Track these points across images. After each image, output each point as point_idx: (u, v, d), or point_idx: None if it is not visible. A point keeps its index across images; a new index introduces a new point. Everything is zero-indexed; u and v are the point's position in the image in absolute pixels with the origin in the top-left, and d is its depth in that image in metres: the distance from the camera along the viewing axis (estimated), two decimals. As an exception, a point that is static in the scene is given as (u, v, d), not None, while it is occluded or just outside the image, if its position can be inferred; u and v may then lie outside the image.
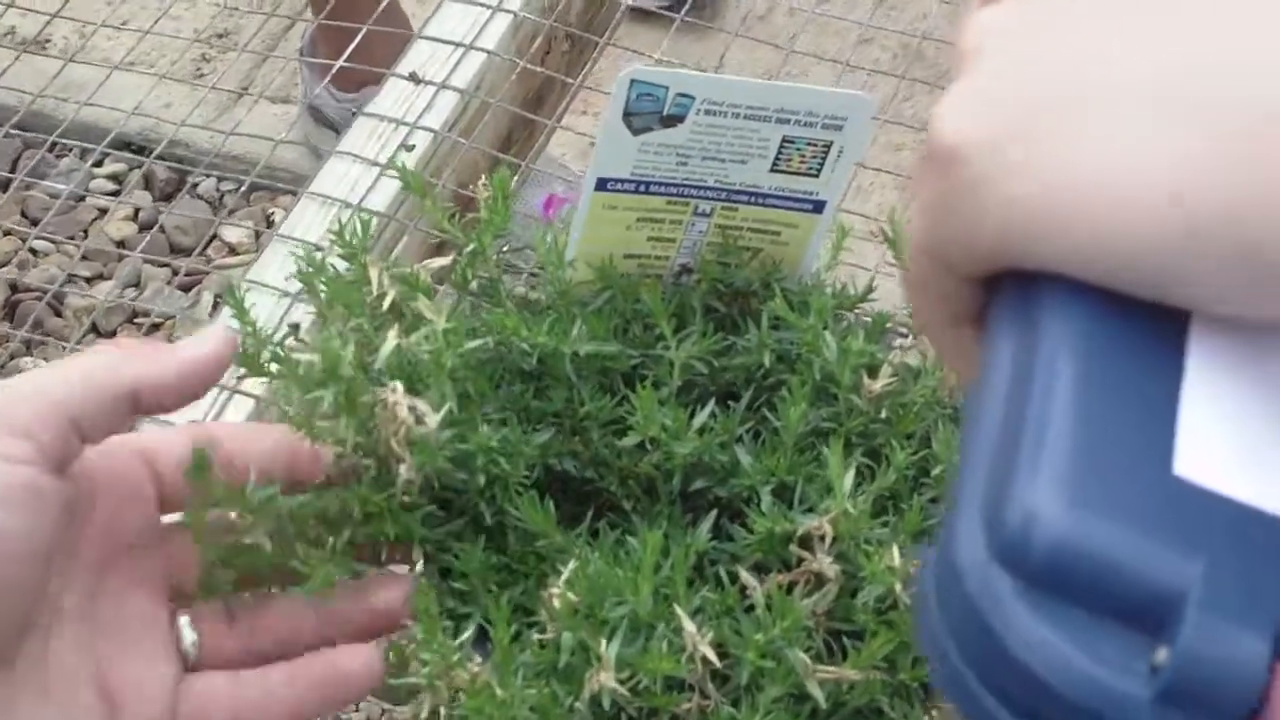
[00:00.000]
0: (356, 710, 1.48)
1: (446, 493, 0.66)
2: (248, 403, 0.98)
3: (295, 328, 0.84)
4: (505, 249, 0.74)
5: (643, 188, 0.69)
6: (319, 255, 0.74)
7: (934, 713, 0.62)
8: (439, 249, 1.02)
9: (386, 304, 0.70)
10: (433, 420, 0.64)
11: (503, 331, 0.70)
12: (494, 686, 0.60)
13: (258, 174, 1.28)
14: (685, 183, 0.69)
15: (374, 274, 0.72)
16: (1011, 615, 0.32)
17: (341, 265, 0.73)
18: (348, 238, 0.73)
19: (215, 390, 0.98)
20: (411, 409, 0.63)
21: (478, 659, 0.61)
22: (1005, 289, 0.36)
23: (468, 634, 0.62)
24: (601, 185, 0.69)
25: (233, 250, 1.69)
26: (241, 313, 0.71)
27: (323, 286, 0.71)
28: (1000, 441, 0.34)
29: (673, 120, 0.66)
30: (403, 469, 0.64)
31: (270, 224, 1.71)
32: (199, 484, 0.62)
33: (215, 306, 1.59)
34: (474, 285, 0.74)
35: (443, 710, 0.63)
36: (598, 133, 0.67)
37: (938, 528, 0.62)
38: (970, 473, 0.34)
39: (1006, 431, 0.34)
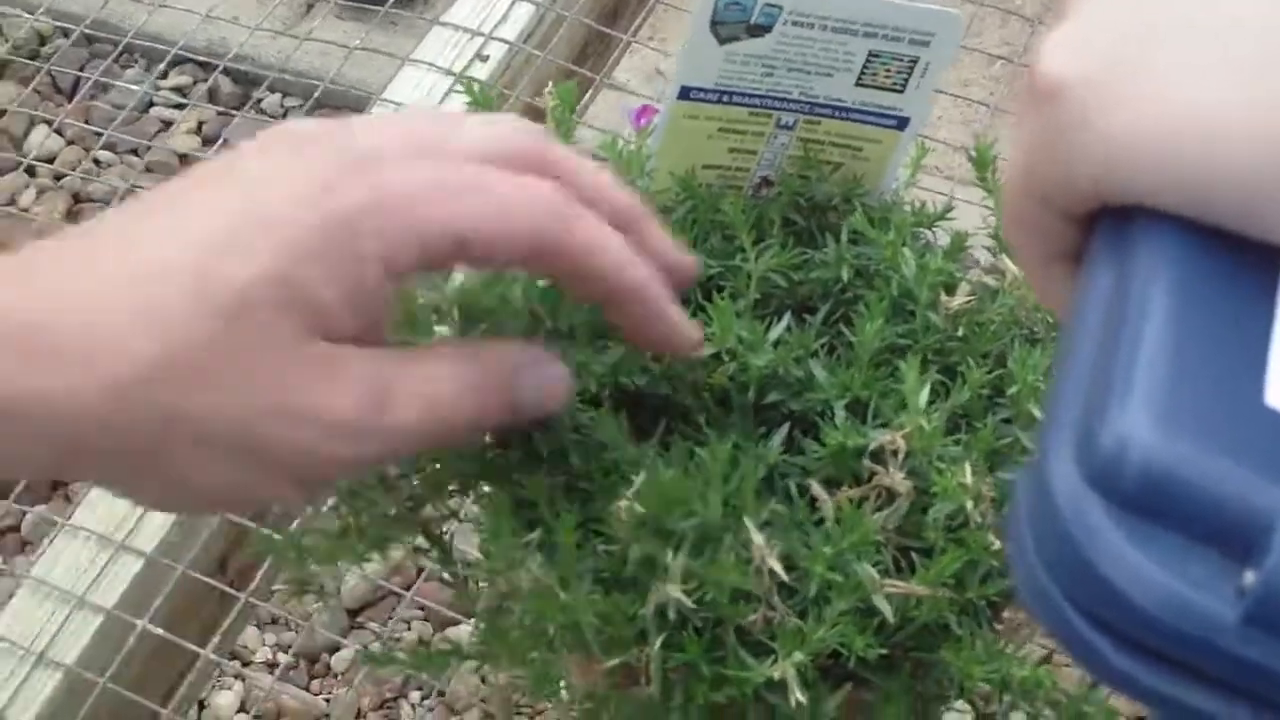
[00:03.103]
0: (409, 629, 1.49)
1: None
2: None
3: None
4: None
5: (726, 98, 0.68)
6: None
7: (998, 626, 0.62)
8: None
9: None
10: None
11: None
12: (556, 589, 0.60)
13: (324, 89, 1.28)
14: (769, 94, 0.68)
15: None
16: (1102, 536, 0.32)
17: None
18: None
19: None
20: None
21: (539, 560, 0.61)
22: (1103, 225, 0.37)
23: (534, 535, 0.62)
24: (684, 94, 0.68)
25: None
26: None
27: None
28: (1094, 368, 0.34)
29: (759, 30, 0.66)
30: None
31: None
32: None
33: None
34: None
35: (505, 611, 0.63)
36: (684, 40, 0.67)
37: (1027, 450, 0.62)
38: (1064, 398, 0.35)
39: (1100, 359, 0.34)
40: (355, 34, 1.52)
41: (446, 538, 0.69)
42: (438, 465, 0.68)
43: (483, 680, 1.45)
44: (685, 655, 0.59)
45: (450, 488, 0.69)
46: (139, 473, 0.51)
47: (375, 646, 1.48)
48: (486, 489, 0.66)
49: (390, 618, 1.47)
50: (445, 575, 0.68)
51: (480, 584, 0.64)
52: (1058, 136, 0.37)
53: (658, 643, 0.59)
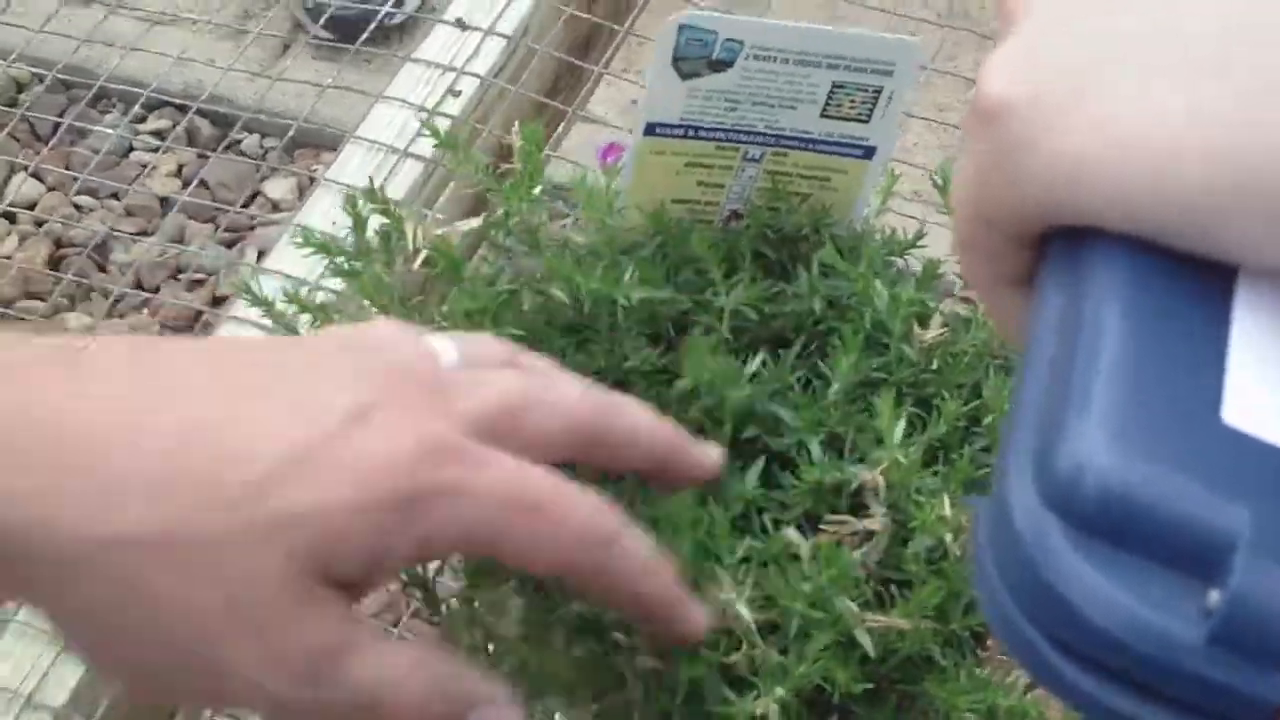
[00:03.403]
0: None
1: None
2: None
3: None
4: (544, 194, 0.73)
5: (692, 132, 0.68)
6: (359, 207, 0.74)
7: (982, 656, 0.62)
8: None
9: (418, 263, 0.71)
10: None
11: (550, 277, 0.69)
12: (533, 641, 0.60)
13: (299, 127, 1.28)
14: (734, 128, 0.68)
15: (409, 229, 0.72)
16: (1061, 558, 0.32)
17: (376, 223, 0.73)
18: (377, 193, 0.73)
19: (262, 334, 0.99)
20: None
21: (520, 606, 0.61)
22: (1053, 246, 0.37)
23: (512, 582, 0.62)
24: (650, 130, 0.68)
25: (275, 206, 1.69)
26: (255, 298, 0.72)
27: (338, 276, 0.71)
28: (1049, 390, 0.34)
29: (721, 65, 0.65)
30: None
31: (312, 181, 1.71)
32: None
33: (260, 259, 1.59)
34: (509, 242, 0.73)
35: None
36: (647, 76, 0.66)
37: (990, 477, 0.61)
38: (1020, 422, 0.34)
39: (1055, 380, 0.34)
40: (329, 73, 1.52)
41: (430, 579, 0.68)
42: None
43: None
44: (661, 706, 0.59)
45: None
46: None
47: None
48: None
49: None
50: (431, 618, 0.68)
51: (462, 629, 0.64)
52: (1003, 158, 0.36)
53: (639, 692, 0.59)
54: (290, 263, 0.97)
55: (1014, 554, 0.32)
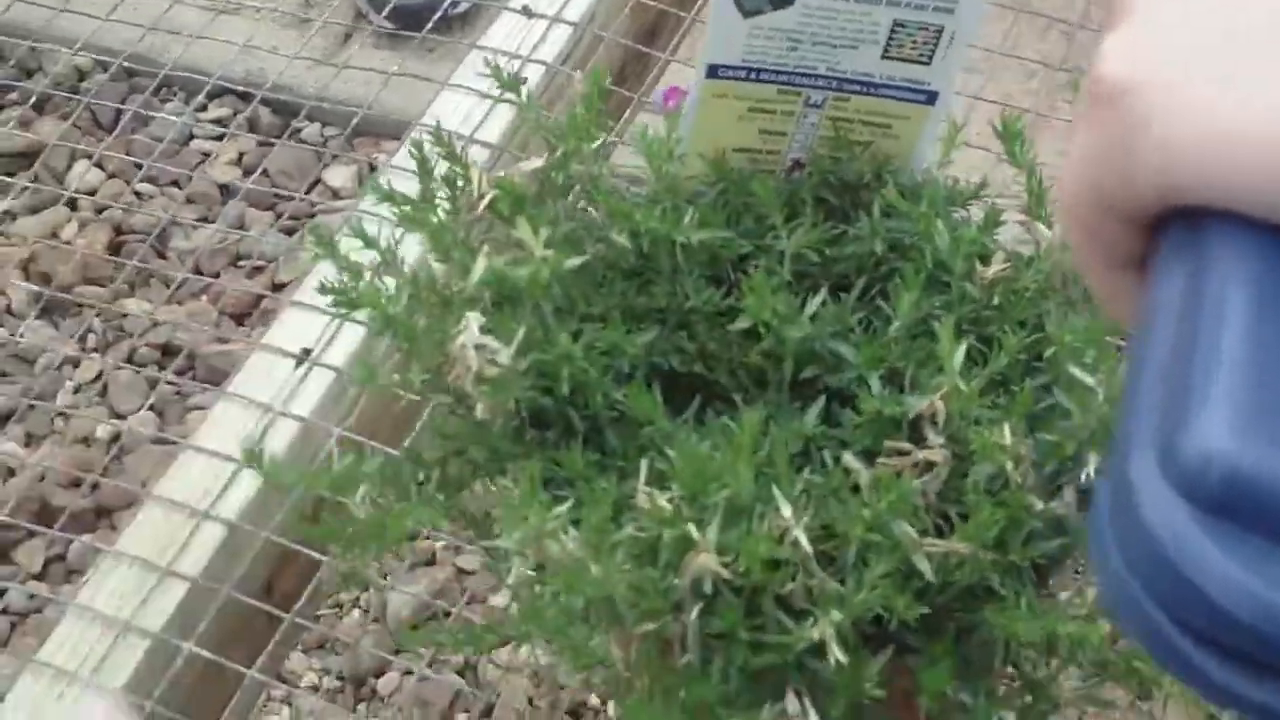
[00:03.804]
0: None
1: (540, 405, 0.67)
2: (359, 330, 0.99)
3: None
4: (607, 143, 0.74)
5: (754, 75, 0.68)
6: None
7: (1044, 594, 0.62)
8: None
9: (482, 206, 0.71)
10: (505, 356, 0.64)
11: (609, 220, 0.70)
12: (588, 562, 0.59)
13: (362, 116, 1.29)
14: (796, 70, 0.68)
15: (474, 174, 0.72)
16: (1190, 544, 0.32)
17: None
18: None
19: (326, 318, 0.99)
20: (481, 348, 0.64)
21: (573, 535, 0.61)
22: (1170, 229, 0.37)
23: (565, 506, 0.62)
24: (712, 72, 0.68)
25: (335, 194, 1.70)
26: (330, 248, 0.73)
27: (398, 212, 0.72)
28: (1171, 374, 0.34)
29: (783, 2, 0.66)
30: (478, 410, 0.65)
31: (374, 169, 1.72)
32: None
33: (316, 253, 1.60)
34: (572, 186, 0.74)
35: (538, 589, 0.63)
36: (709, 16, 0.67)
37: (1068, 414, 0.61)
38: (1141, 405, 0.34)
39: (1178, 364, 0.34)
40: (392, 61, 1.53)
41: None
42: (473, 447, 0.68)
43: (533, 694, 1.45)
44: (724, 622, 0.59)
45: (487, 469, 0.69)
46: None
47: (422, 667, 1.48)
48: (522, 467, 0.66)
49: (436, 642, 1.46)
50: (484, 558, 0.69)
51: (513, 560, 0.64)
52: (1123, 140, 0.36)
53: (695, 611, 0.59)
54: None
55: (1140, 537, 0.33)
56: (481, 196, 0.71)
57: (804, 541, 0.59)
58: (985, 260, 0.66)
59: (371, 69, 1.44)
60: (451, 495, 0.69)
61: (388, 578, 1.52)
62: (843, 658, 0.57)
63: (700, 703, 0.60)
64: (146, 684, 0.91)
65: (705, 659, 0.60)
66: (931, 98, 0.69)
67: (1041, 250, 0.66)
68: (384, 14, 1.62)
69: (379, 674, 1.48)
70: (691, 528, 0.59)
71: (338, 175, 1.73)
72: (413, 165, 1.01)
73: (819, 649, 0.59)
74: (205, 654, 0.91)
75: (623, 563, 0.59)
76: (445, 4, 1.52)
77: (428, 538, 1.52)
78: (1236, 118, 0.35)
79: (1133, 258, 0.39)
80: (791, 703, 0.59)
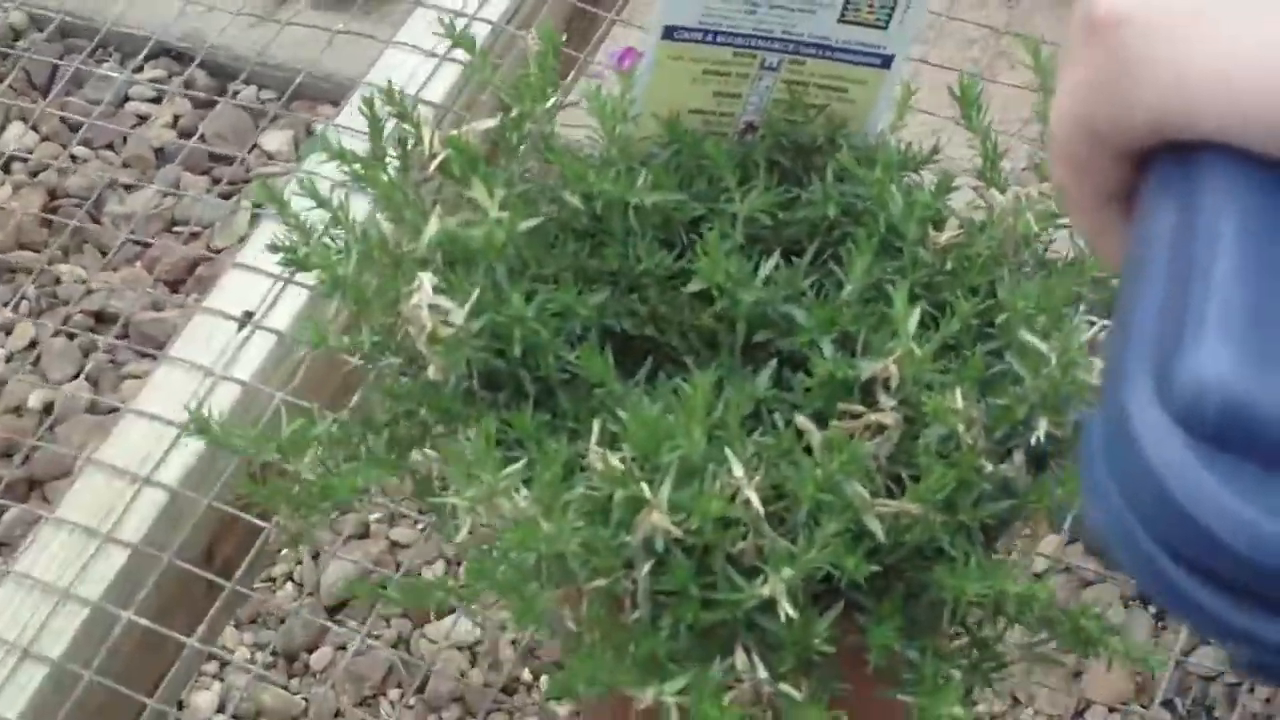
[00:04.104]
0: (389, 626, 1.48)
1: (492, 366, 0.67)
2: (303, 293, 0.99)
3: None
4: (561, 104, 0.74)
5: (710, 37, 0.69)
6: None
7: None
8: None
9: (434, 166, 0.71)
10: (458, 316, 0.64)
11: (563, 181, 0.70)
12: (539, 520, 0.59)
13: (300, 81, 1.28)
14: (753, 32, 0.68)
15: (426, 134, 0.72)
16: (1186, 474, 0.32)
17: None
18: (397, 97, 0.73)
19: (269, 280, 0.99)
20: (434, 308, 0.64)
21: (524, 494, 0.61)
22: (1161, 162, 0.37)
23: (516, 466, 0.62)
24: (669, 34, 0.68)
25: (272, 158, 1.69)
26: (281, 205, 0.73)
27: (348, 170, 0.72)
28: (1165, 303, 0.34)
29: (744, -35, 0.66)
30: (430, 371, 0.65)
31: (310, 133, 1.70)
32: None
33: (254, 215, 1.58)
34: (524, 146, 0.73)
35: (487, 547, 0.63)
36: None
37: (1019, 380, 0.62)
38: (1135, 336, 0.35)
39: (1171, 293, 0.34)
40: (334, 22, 1.52)
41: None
42: (424, 408, 0.68)
43: (466, 669, 1.45)
44: (675, 579, 0.59)
45: (437, 430, 0.69)
46: None
47: (354, 644, 1.48)
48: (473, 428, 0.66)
49: (369, 616, 1.46)
50: (430, 520, 0.69)
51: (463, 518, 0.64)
52: (1117, 73, 0.36)
53: (646, 568, 0.59)
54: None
55: (1134, 467, 0.33)
56: (433, 156, 0.71)
57: (755, 501, 0.59)
58: (938, 225, 0.66)
59: (315, 25, 1.43)
60: (401, 455, 0.68)
61: (319, 556, 1.51)
62: (793, 614, 0.58)
63: (650, 658, 0.60)
64: (85, 653, 0.90)
65: (655, 615, 0.61)
66: (887, 62, 0.69)
67: (994, 216, 0.66)
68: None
69: (312, 649, 1.48)
70: (644, 487, 0.59)
71: (274, 139, 1.72)
72: (357, 125, 1.01)
73: (769, 606, 0.59)
74: (144, 622, 0.91)
75: (574, 521, 0.60)
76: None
77: (358, 511, 1.52)
78: (1233, 51, 0.35)
79: (1120, 193, 0.39)
80: (740, 659, 0.60)
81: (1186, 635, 1.38)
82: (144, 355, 1.56)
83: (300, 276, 0.97)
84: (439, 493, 0.66)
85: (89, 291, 1.64)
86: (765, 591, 0.58)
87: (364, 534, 1.52)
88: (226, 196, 1.67)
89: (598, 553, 0.60)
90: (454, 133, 0.71)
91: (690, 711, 0.59)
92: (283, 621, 1.46)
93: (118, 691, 0.90)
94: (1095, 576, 1.41)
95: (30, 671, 0.89)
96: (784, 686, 0.60)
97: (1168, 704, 1.37)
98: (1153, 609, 1.45)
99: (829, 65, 0.70)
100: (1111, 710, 1.39)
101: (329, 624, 1.46)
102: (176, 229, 1.67)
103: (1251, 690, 1.39)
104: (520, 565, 0.62)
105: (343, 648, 1.44)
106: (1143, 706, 1.38)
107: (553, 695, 0.63)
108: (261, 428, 0.76)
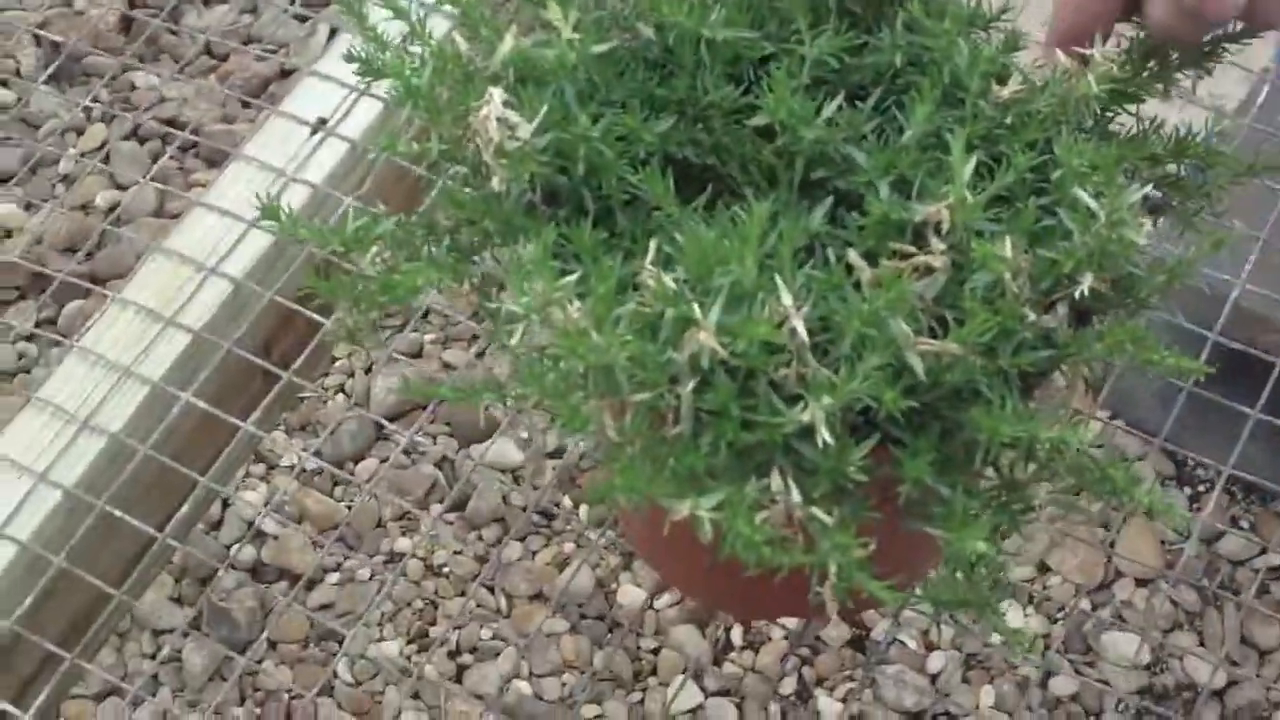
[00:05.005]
0: (434, 443, 1.51)
1: (554, 183, 0.68)
2: (376, 105, 1.00)
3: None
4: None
5: (794, -123, 0.69)
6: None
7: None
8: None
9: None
10: (525, 131, 0.66)
11: (636, 10, 0.71)
12: (590, 331, 0.61)
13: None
14: (838, -124, 0.69)
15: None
16: None
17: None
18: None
19: (344, 90, 1.01)
20: (502, 121, 0.65)
21: (578, 305, 0.63)
22: None
23: (571, 278, 0.63)
24: None
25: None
26: (359, 17, 0.74)
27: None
28: None
29: None
30: (494, 183, 0.66)
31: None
32: None
33: (332, 36, 1.60)
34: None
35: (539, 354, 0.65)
36: None
37: (1069, 235, 0.63)
38: None
39: None
40: None
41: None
42: (487, 218, 0.70)
43: (508, 489, 1.48)
44: (718, 398, 0.61)
45: (496, 239, 0.71)
46: None
47: (400, 454, 1.51)
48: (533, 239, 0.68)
49: (418, 430, 1.50)
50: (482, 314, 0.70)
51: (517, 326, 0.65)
52: None
53: (690, 385, 0.61)
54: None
55: None
56: (512, -25, 0.72)
57: (801, 330, 0.61)
58: (1001, 80, 0.68)
59: None
60: (461, 261, 0.70)
61: (370, 370, 1.54)
62: (830, 441, 0.59)
63: (688, 472, 0.62)
64: (142, 430, 0.93)
65: (696, 432, 0.62)
66: (966, -90, 0.70)
67: (1056, 74, 0.67)
68: None
69: (359, 459, 1.51)
70: (694, 307, 0.61)
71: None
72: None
73: (807, 433, 0.61)
74: (202, 405, 0.94)
75: (624, 335, 0.61)
76: None
77: (416, 330, 1.54)
78: None
79: None
80: (776, 480, 0.62)
81: (1214, 512, 1.40)
82: (212, 164, 1.58)
83: (374, 89, 0.99)
84: (496, 299, 0.69)
85: (162, 99, 1.66)
86: (804, 418, 0.60)
87: (417, 353, 1.55)
88: (303, 20, 1.68)
89: (644, 367, 0.61)
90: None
91: (724, 526, 0.61)
92: (332, 432, 1.50)
93: (171, 468, 0.93)
94: (1138, 451, 1.43)
95: (89, 443, 0.92)
96: (816, 510, 0.62)
97: (1196, 586, 1.40)
98: (1187, 490, 1.47)
99: (907, -86, 0.70)
100: (1140, 584, 1.42)
101: (377, 435, 1.50)
102: (252, 46, 1.69)
103: (1278, 578, 1.41)
104: (569, 374, 0.64)
105: (387, 459, 1.48)
106: (1171, 584, 1.41)
107: (593, 499, 0.65)
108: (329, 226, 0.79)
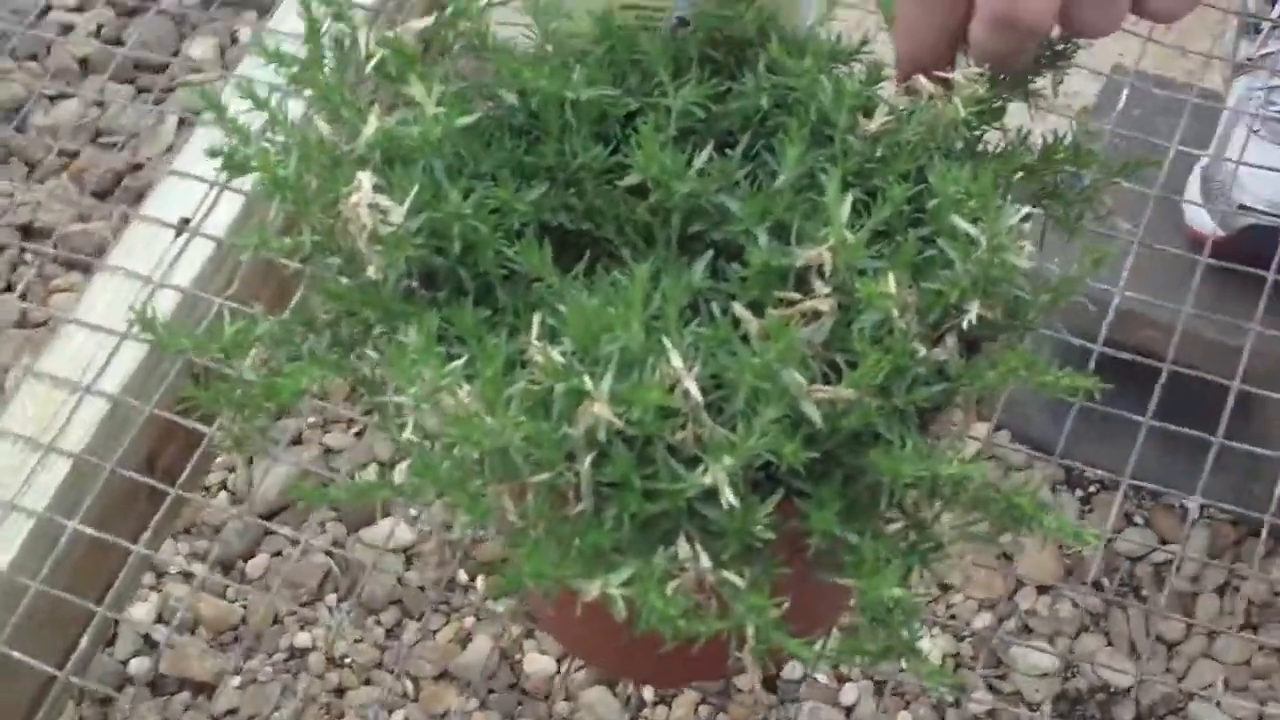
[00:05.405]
0: (324, 530, 1.49)
1: (431, 265, 0.67)
2: (238, 198, 0.99)
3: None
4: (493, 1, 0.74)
5: (641, -71, 0.69)
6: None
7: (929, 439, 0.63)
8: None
9: (370, 67, 0.71)
10: (398, 215, 0.64)
11: (498, 79, 0.70)
12: (482, 414, 0.60)
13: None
14: (684, -75, 0.69)
15: (363, 36, 0.72)
16: None
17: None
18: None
19: (204, 186, 0.99)
20: (374, 206, 0.64)
21: (467, 389, 0.61)
22: None
23: (458, 363, 0.62)
24: (600, -74, 0.68)
25: (197, 68, 1.67)
26: (219, 110, 0.72)
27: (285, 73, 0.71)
28: None
29: None
30: (369, 271, 0.65)
31: (234, 41, 1.69)
32: None
33: (180, 124, 1.58)
34: (458, 45, 0.73)
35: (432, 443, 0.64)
36: None
37: (950, 264, 0.63)
38: None
39: None
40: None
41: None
42: (365, 307, 0.68)
43: (403, 570, 1.46)
44: (617, 470, 0.60)
45: (377, 328, 0.69)
46: None
47: (290, 551, 1.48)
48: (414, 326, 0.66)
49: (304, 522, 1.47)
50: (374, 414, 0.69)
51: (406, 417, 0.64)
52: None
53: (588, 459, 0.60)
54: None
55: None
56: (370, 56, 0.71)
57: (694, 391, 0.60)
58: (868, 113, 0.67)
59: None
60: (344, 355, 0.69)
61: (252, 463, 1.51)
62: (734, 501, 0.58)
63: (594, 550, 0.61)
64: (31, 565, 0.90)
65: (598, 508, 0.61)
66: (816, -46, 0.70)
67: (922, 101, 0.67)
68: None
69: (248, 557, 1.48)
70: (584, 379, 0.60)
71: (199, 47, 1.70)
72: (286, 29, 1.00)
73: (710, 495, 0.60)
74: (90, 531, 0.91)
75: (517, 415, 0.60)
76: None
77: (294, 417, 1.52)
78: None
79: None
80: (683, 548, 0.61)
81: (1114, 517, 1.41)
82: (72, 268, 1.55)
83: (235, 182, 0.97)
84: (382, 391, 0.67)
85: (15, 205, 1.62)
86: (706, 480, 0.59)
87: (297, 440, 1.52)
88: (154, 104, 1.66)
89: (541, 446, 0.60)
90: (389, 33, 0.71)
91: (637, 602, 0.60)
92: (218, 530, 1.47)
93: (66, 600, 0.90)
94: (1023, 463, 1.44)
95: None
96: (727, 574, 0.61)
97: (1096, 585, 1.41)
98: (1079, 492, 1.48)
99: (759, -43, 0.70)
100: (1042, 591, 1.43)
101: (265, 531, 1.48)
102: (103, 139, 1.66)
103: (1178, 569, 1.42)
104: (464, 461, 0.62)
105: (279, 554, 1.45)
106: (1071, 589, 1.41)
107: (499, 592, 0.63)
108: (203, 331, 0.77)
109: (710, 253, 0.67)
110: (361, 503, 0.66)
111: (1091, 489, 1.48)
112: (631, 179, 0.67)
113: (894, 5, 0.66)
